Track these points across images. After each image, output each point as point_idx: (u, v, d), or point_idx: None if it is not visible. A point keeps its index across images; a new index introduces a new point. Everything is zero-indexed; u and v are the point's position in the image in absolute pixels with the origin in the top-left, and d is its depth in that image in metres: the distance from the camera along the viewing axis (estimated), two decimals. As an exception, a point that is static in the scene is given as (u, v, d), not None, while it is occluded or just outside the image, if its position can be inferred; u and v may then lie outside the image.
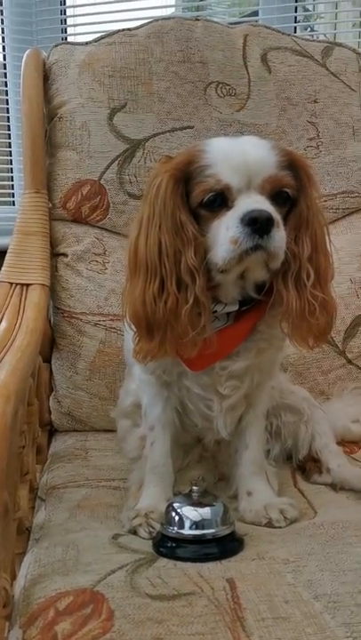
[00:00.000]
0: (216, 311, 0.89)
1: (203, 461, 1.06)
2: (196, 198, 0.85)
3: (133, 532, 0.88)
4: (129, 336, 0.93)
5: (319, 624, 0.65)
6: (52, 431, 1.36)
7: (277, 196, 0.87)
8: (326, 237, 0.92)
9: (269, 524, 0.90)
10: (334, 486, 1.05)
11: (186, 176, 0.86)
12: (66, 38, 2.07)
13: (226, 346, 0.90)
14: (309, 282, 0.88)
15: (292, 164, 0.89)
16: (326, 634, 0.64)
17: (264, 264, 0.86)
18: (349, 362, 1.38)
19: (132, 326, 0.88)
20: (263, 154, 0.87)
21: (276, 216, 0.84)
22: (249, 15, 2.31)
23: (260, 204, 0.83)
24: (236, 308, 0.90)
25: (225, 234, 0.83)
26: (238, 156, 0.85)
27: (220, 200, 0.85)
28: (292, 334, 0.91)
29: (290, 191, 0.88)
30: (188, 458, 1.05)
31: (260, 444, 1.00)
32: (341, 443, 1.21)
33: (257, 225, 0.81)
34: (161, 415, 0.98)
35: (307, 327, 0.89)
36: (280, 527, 0.89)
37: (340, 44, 1.50)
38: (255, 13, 2.14)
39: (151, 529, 0.87)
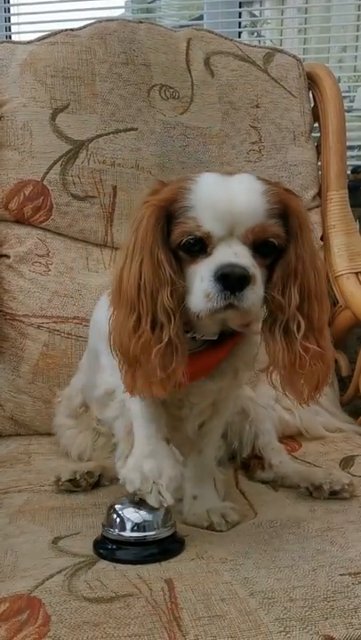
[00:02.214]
0: (195, 337, 0.86)
1: None
2: (176, 239, 0.81)
3: (141, 498, 0.83)
4: (101, 314, 0.89)
5: (254, 620, 0.67)
6: (-6, 436, 1.34)
7: (262, 246, 0.81)
8: (323, 283, 0.86)
9: (211, 527, 0.91)
10: (275, 483, 1.08)
11: (169, 213, 0.81)
12: (10, 37, 2.04)
13: (202, 368, 0.88)
14: (300, 333, 0.82)
15: (284, 211, 0.83)
16: (260, 630, 0.65)
17: (239, 319, 0.83)
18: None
19: (116, 355, 0.84)
20: (252, 201, 0.80)
21: (254, 271, 0.79)
22: (197, 19, 2.33)
23: (237, 257, 0.78)
24: (215, 337, 0.87)
25: (199, 285, 0.79)
26: (224, 202, 0.79)
27: (200, 245, 0.80)
28: (284, 387, 0.85)
29: (276, 241, 0.82)
30: None
31: (214, 451, 1.01)
32: (283, 440, 1.23)
33: (228, 282, 0.77)
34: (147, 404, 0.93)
35: (297, 379, 0.84)
36: (221, 531, 0.90)
37: (281, 50, 1.54)
38: (202, 17, 2.16)
39: (161, 497, 0.83)
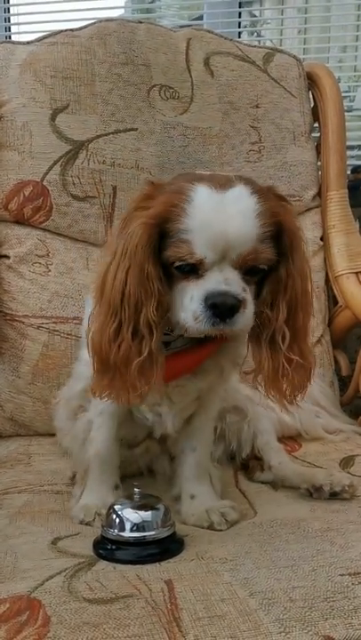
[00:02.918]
0: (182, 335, 0.87)
1: (131, 455, 1.07)
2: (168, 259, 0.82)
3: (87, 524, 0.90)
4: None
5: (254, 621, 0.67)
6: (-6, 436, 1.34)
7: (252, 269, 0.82)
8: (310, 292, 0.88)
9: (211, 527, 0.91)
10: (275, 484, 1.08)
11: (161, 230, 0.81)
12: (10, 37, 2.04)
13: (185, 366, 0.89)
14: (285, 344, 0.85)
15: (277, 228, 0.83)
16: (260, 630, 0.65)
17: (227, 335, 0.84)
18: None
19: (91, 356, 0.85)
20: (246, 226, 0.80)
21: (244, 296, 0.80)
22: (197, 19, 2.33)
23: (228, 283, 0.79)
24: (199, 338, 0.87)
25: (189, 304, 0.81)
26: (219, 228, 0.79)
27: (192, 268, 0.81)
28: (267, 390, 0.88)
29: (266, 266, 0.83)
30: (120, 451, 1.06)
31: (207, 447, 1.01)
32: (282, 440, 1.23)
33: (218, 311, 0.79)
34: (111, 403, 0.95)
35: (280, 384, 0.87)
36: (221, 530, 0.90)
37: (281, 51, 1.53)
38: (202, 17, 2.16)
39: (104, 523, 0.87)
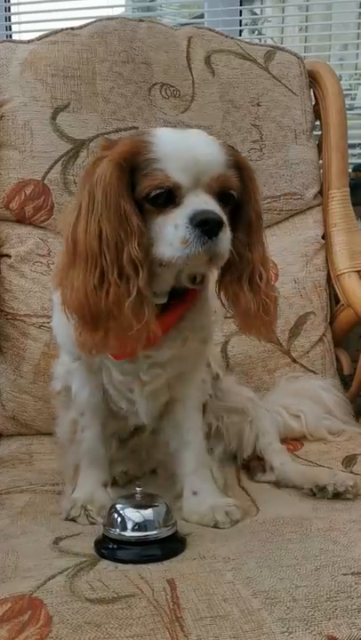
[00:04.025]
0: None
1: (134, 455, 1.07)
2: (142, 192, 0.83)
3: (73, 519, 0.92)
4: (59, 316, 0.90)
5: (257, 620, 0.66)
6: (-4, 436, 1.34)
7: (223, 195, 0.86)
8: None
9: (215, 526, 0.91)
10: (278, 484, 1.07)
11: (131, 166, 0.83)
12: (11, 36, 2.04)
13: (150, 336, 0.88)
14: (263, 283, 0.91)
15: (237, 165, 0.88)
16: (263, 630, 0.65)
17: (208, 262, 0.85)
18: (294, 361, 1.41)
19: (74, 317, 0.84)
20: (213, 152, 0.85)
21: (224, 217, 0.83)
22: (197, 17, 2.33)
23: (208, 204, 0.82)
24: (165, 300, 0.90)
25: (174, 233, 0.82)
26: (188, 153, 0.83)
27: (167, 197, 0.83)
28: (248, 330, 0.95)
29: (235, 193, 0.87)
30: (121, 451, 1.06)
31: (201, 440, 1.00)
32: (285, 440, 1.23)
33: (207, 227, 0.81)
34: (90, 400, 0.98)
35: (261, 323, 0.93)
36: (224, 528, 0.90)
37: (282, 48, 1.53)
38: (204, 15, 2.15)
39: (91, 519, 0.91)
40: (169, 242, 0.82)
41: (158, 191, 0.83)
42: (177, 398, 0.99)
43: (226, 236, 0.83)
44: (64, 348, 0.99)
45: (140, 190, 0.83)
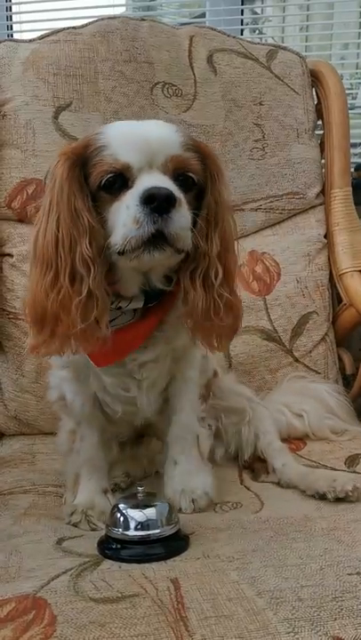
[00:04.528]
0: (121, 307, 0.87)
1: (135, 458, 1.07)
2: (95, 180, 0.81)
3: (74, 525, 0.91)
4: None
5: (262, 620, 0.66)
6: (-2, 435, 1.33)
7: (182, 178, 0.83)
8: (234, 232, 0.89)
9: (179, 510, 0.92)
10: (281, 485, 1.06)
11: (83, 160, 0.82)
12: (12, 35, 2.03)
13: (130, 342, 0.88)
14: (217, 281, 0.85)
15: (200, 153, 0.85)
16: (269, 630, 0.65)
17: (170, 256, 0.82)
18: (296, 360, 1.41)
19: (26, 319, 0.85)
20: (167, 133, 0.84)
21: (179, 195, 0.80)
22: (198, 17, 2.32)
23: (160, 182, 0.80)
24: (141, 304, 0.88)
25: (126, 213, 0.79)
26: (138, 135, 0.82)
27: (121, 181, 0.81)
28: (196, 333, 0.88)
29: (195, 177, 0.84)
30: (123, 452, 1.05)
31: (192, 410, 0.99)
32: (288, 439, 1.22)
33: (155, 203, 0.77)
34: (85, 409, 0.97)
35: (210, 327, 0.87)
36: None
37: (284, 48, 1.53)
38: (204, 15, 2.15)
39: (92, 525, 0.90)
40: (122, 224, 0.80)
41: (109, 176, 0.81)
42: (175, 375, 0.97)
43: (181, 214, 0.79)
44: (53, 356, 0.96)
45: (93, 180, 0.82)
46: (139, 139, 0.81)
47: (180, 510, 0.92)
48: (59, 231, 0.81)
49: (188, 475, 0.95)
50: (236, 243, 0.90)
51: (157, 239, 0.79)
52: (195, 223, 0.84)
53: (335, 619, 0.66)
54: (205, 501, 0.93)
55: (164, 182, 0.80)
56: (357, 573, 0.73)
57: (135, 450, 1.08)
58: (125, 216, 0.79)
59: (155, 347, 0.91)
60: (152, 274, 0.87)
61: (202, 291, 0.85)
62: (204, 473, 0.97)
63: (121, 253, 0.81)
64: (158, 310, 0.89)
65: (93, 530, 0.90)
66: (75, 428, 0.98)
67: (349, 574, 0.73)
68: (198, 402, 1.01)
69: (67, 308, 0.80)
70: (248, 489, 1.04)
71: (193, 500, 0.93)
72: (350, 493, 0.95)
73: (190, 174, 0.84)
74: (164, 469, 0.97)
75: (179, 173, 0.83)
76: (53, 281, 0.81)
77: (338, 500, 0.95)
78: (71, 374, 0.96)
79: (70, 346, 0.83)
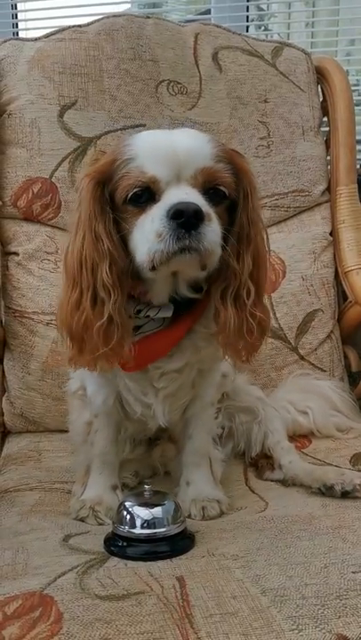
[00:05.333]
0: (149, 316, 0.87)
1: (148, 457, 1.07)
2: (121, 195, 0.80)
3: (81, 520, 0.92)
4: None
5: (266, 618, 0.66)
6: (4, 433, 1.34)
7: (212, 191, 0.80)
8: (266, 247, 0.88)
9: (188, 517, 0.92)
10: (285, 482, 1.07)
11: (108, 176, 0.81)
12: (17, 34, 2.04)
13: (158, 349, 0.89)
14: (250, 300, 0.84)
15: (232, 166, 0.83)
16: (273, 627, 0.65)
17: (197, 264, 0.80)
18: (302, 358, 1.41)
19: (60, 332, 0.87)
20: (197, 143, 0.80)
21: (208, 210, 0.77)
22: (203, 13, 2.32)
23: (189, 196, 0.77)
24: (169, 313, 0.87)
25: (150, 227, 0.77)
26: (166, 146, 0.79)
27: (148, 194, 0.79)
28: (227, 349, 0.88)
29: (226, 190, 0.81)
30: (135, 451, 1.06)
31: (206, 434, 1.00)
32: (293, 437, 1.23)
33: (183, 219, 0.75)
34: (105, 404, 0.97)
35: (243, 344, 0.86)
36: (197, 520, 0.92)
37: (289, 45, 1.52)
38: (210, 12, 2.15)
39: (99, 520, 0.91)
40: (145, 238, 0.78)
41: (136, 189, 0.79)
42: (197, 395, 0.98)
43: (210, 230, 0.77)
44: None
45: (120, 194, 0.80)
46: (167, 150, 0.79)
47: (189, 516, 0.91)
48: (83, 252, 0.81)
49: (202, 487, 0.96)
50: (268, 257, 0.88)
51: (183, 251, 0.78)
52: (226, 239, 0.82)
53: (339, 616, 0.66)
54: (216, 510, 0.93)
55: (193, 196, 0.77)
56: (362, 571, 0.74)
57: (148, 452, 1.08)
58: (149, 230, 0.78)
59: (181, 355, 0.90)
60: (180, 282, 0.86)
61: (233, 310, 0.84)
62: (217, 489, 0.98)
63: (153, 269, 0.80)
64: (187, 319, 0.88)
65: (100, 525, 0.91)
66: (91, 419, 0.99)
67: (354, 572, 0.74)
68: (214, 423, 1.02)
69: (89, 331, 0.82)
70: (253, 491, 1.04)
71: (203, 508, 0.93)
72: (358, 487, 0.96)
73: (221, 187, 0.81)
74: (177, 490, 0.97)
75: (209, 187, 0.80)
76: (78, 301, 0.82)
77: (344, 494, 0.96)
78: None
79: (97, 363, 0.85)
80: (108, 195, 0.82)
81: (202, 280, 0.87)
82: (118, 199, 0.81)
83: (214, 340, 0.89)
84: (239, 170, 0.84)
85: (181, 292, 0.87)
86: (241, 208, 0.83)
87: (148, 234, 0.78)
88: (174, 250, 0.77)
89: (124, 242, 0.83)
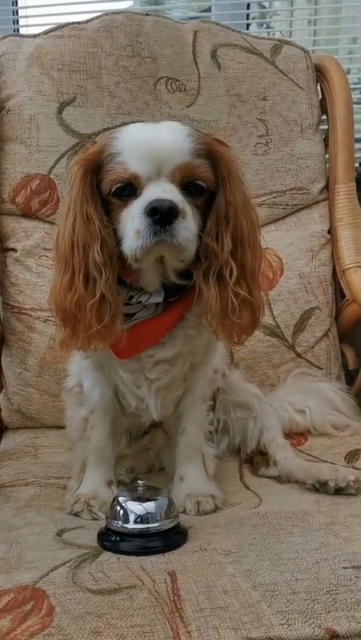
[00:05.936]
0: (141, 302, 0.89)
1: (143, 453, 1.08)
2: (106, 187, 0.84)
3: (76, 514, 0.93)
4: None
5: (256, 612, 0.67)
6: (2, 429, 1.34)
7: (190, 186, 0.84)
8: (256, 231, 0.89)
9: (183, 512, 0.92)
10: (280, 479, 1.07)
11: (97, 165, 0.85)
12: (17, 30, 2.04)
13: (151, 336, 0.90)
14: (232, 279, 0.85)
15: (211, 155, 0.85)
16: (263, 622, 0.66)
17: (175, 255, 0.84)
18: (299, 355, 1.41)
19: (53, 314, 0.89)
20: (176, 140, 0.84)
21: (184, 206, 0.81)
22: (205, 11, 2.31)
23: (166, 193, 0.81)
24: (161, 298, 0.89)
25: (130, 224, 0.82)
26: (148, 143, 0.83)
27: (130, 189, 0.83)
28: (217, 330, 0.89)
29: (204, 184, 0.84)
30: (130, 446, 1.06)
31: (199, 429, 1.00)
32: (289, 435, 1.23)
33: (157, 216, 0.79)
34: (101, 399, 0.98)
35: (230, 324, 0.87)
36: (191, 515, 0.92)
37: (289, 42, 1.52)
38: (211, 9, 2.14)
39: (93, 514, 0.92)
40: (128, 235, 0.83)
41: (119, 184, 0.83)
42: (188, 389, 0.99)
43: (184, 227, 0.81)
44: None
45: (104, 186, 0.85)
46: (148, 147, 0.82)
47: (183, 511, 0.92)
48: (74, 234, 0.84)
49: (195, 483, 0.97)
50: (258, 236, 0.89)
51: (160, 243, 0.81)
52: (204, 225, 0.86)
53: (329, 611, 0.67)
54: (211, 505, 0.94)
55: (170, 193, 0.81)
56: (353, 567, 0.74)
57: (140, 442, 1.09)
58: (130, 227, 0.82)
59: (173, 344, 0.92)
60: (168, 269, 0.88)
61: (216, 289, 0.85)
62: (211, 484, 0.98)
63: (136, 261, 0.84)
64: (179, 305, 0.91)
65: (95, 519, 0.91)
66: (87, 415, 1.00)
67: (345, 568, 0.74)
68: (206, 419, 1.03)
69: (82, 309, 0.84)
70: (247, 487, 1.04)
71: (198, 503, 0.93)
72: (352, 484, 0.96)
73: (199, 182, 0.84)
74: (170, 486, 0.97)
75: (187, 182, 0.84)
76: (70, 282, 0.85)
77: (338, 490, 0.96)
78: (92, 364, 0.98)
79: (91, 343, 0.86)
80: (96, 184, 0.86)
81: (191, 266, 0.88)
82: (104, 190, 0.85)
83: (204, 328, 0.91)
84: (216, 155, 0.86)
85: (170, 279, 0.89)
86: (220, 192, 0.86)
87: (129, 231, 0.83)
88: (152, 244, 0.81)
89: (112, 225, 0.86)
